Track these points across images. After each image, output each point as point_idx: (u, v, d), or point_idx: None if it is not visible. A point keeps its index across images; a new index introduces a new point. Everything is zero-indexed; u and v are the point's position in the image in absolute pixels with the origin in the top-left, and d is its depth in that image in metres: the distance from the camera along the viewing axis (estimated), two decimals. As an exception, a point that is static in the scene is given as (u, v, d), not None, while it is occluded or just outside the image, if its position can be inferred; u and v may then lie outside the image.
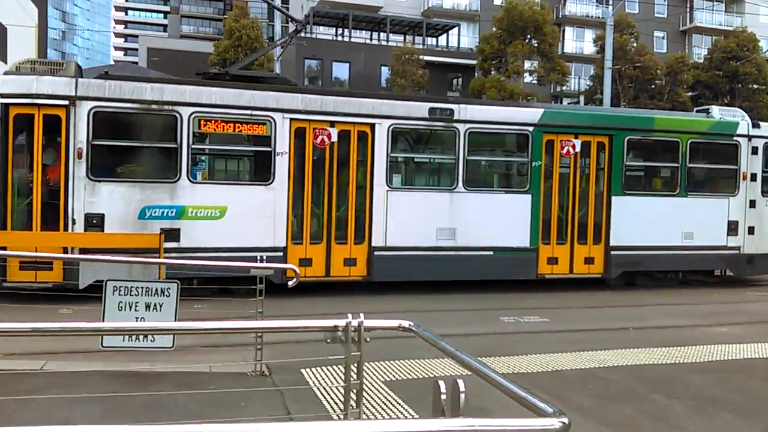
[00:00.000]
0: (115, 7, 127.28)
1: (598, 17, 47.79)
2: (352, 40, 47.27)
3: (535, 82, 43.53)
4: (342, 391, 4.50)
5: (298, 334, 7.04)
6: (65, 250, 11.08)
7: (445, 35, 50.14)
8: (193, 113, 11.86)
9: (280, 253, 12.34)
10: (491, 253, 13.61)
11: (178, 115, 11.80)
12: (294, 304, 10.64)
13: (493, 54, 41.34)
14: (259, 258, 12.06)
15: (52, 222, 11.32)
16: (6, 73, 12.16)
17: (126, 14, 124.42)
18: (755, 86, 43.13)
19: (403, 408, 6.28)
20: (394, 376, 7.29)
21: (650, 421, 6.31)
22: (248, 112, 12.18)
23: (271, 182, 12.35)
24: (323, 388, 6.67)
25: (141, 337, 6.66)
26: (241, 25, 41.92)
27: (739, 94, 42.94)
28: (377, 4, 50.41)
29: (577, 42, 53.12)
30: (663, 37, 53.24)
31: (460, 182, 13.40)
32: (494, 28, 41.97)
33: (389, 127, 12.96)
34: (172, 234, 11.61)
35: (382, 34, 48.65)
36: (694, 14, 54.62)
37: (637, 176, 15.46)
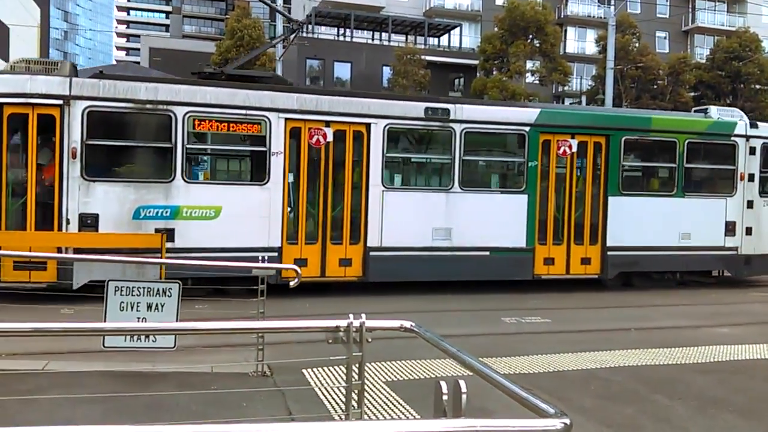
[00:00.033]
0: (117, 7, 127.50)
1: (600, 17, 47.69)
2: (354, 40, 47.32)
3: (537, 82, 43.51)
4: (343, 391, 4.52)
5: (300, 334, 7.00)
6: (59, 250, 11.08)
7: (446, 35, 50.17)
8: (187, 113, 11.84)
9: (275, 254, 12.32)
10: (487, 253, 13.57)
11: (172, 115, 11.78)
12: (292, 305, 10.62)
13: (495, 54, 41.32)
14: (260, 258, 12.04)
15: (46, 222, 11.32)
16: (0, 73, 12.17)
17: (128, 14, 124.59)
18: (758, 86, 43.06)
19: (405, 409, 6.28)
20: (395, 377, 7.29)
21: (652, 422, 6.30)
22: (243, 111, 12.17)
23: (266, 182, 12.33)
24: (325, 388, 6.68)
25: (143, 337, 6.68)
26: (243, 25, 41.98)
27: (742, 95, 42.86)
28: (379, 4, 50.44)
29: (579, 42, 53.07)
30: (665, 38, 53.13)
31: (456, 182, 13.36)
32: (496, 28, 41.96)
33: (385, 126, 12.93)
34: (167, 234, 11.59)
35: (383, 34, 48.69)
36: (696, 14, 54.52)
37: (634, 176, 15.41)
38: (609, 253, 14.32)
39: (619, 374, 7.80)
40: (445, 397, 2.81)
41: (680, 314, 12.39)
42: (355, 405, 4.38)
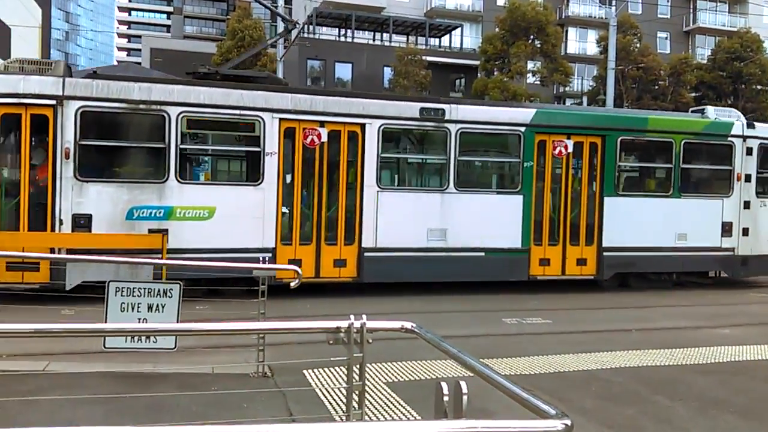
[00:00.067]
0: (118, 7, 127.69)
1: (601, 18, 47.69)
2: (355, 40, 47.34)
3: (538, 82, 43.50)
4: (344, 392, 4.52)
5: (300, 335, 7.04)
6: (52, 251, 11.06)
7: (447, 36, 50.17)
8: (181, 113, 11.82)
9: (269, 254, 12.29)
10: (482, 254, 13.53)
11: (166, 115, 11.76)
12: (293, 306, 10.61)
13: (496, 55, 41.32)
14: (260, 259, 12.01)
15: (39, 222, 11.31)
16: (-6, 73, 12.16)
17: (129, 15, 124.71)
18: (759, 87, 43.00)
19: (406, 409, 6.27)
20: (396, 378, 7.28)
21: (653, 423, 6.28)
22: (237, 111, 12.14)
23: (260, 182, 12.31)
24: (325, 389, 6.68)
25: (143, 338, 6.69)
26: (244, 25, 42.02)
27: (743, 95, 42.80)
28: (380, 4, 50.44)
29: (580, 43, 53.05)
30: (666, 38, 53.06)
31: (452, 183, 13.33)
32: (497, 29, 41.95)
33: (380, 127, 12.90)
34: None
35: (384, 34, 48.70)
36: (698, 15, 54.45)
37: (630, 177, 15.39)
38: (605, 253, 14.27)
39: (620, 375, 7.79)
40: (446, 398, 2.82)
41: (679, 315, 12.36)
42: (356, 406, 4.38)
